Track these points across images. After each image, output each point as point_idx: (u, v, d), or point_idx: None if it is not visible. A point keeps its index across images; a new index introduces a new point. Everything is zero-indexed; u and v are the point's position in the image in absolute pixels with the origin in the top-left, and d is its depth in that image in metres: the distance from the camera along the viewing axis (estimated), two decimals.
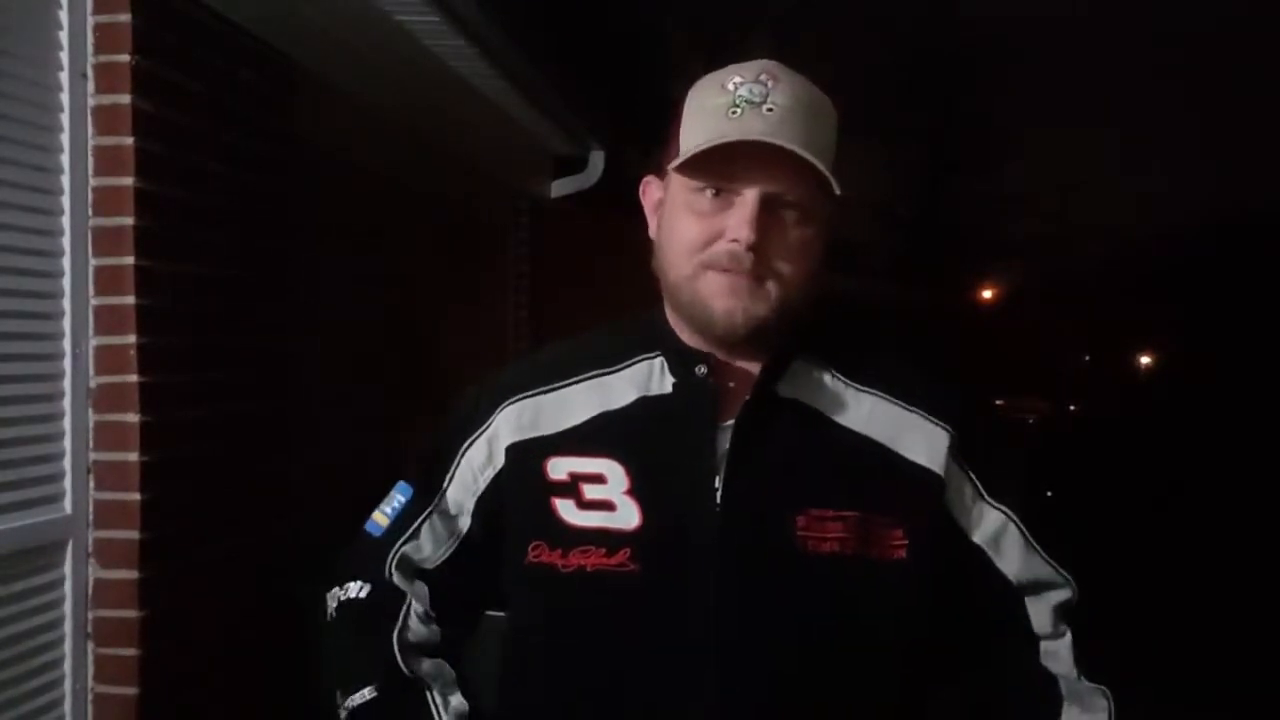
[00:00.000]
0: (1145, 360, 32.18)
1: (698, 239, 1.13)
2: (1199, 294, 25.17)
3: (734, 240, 1.10)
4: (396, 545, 1.23)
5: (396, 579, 1.23)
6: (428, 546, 1.23)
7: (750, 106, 1.09)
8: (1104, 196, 30.34)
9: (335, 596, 1.24)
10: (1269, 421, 15.88)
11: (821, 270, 1.17)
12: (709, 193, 1.12)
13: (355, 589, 1.23)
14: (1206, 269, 24.55)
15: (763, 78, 1.11)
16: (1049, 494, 10.07)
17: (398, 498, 1.25)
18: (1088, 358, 32.37)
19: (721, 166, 1.10)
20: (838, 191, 1.10)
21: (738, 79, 1.12)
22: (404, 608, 1.22)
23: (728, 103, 1.10)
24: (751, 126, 1.08)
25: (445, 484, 1.22)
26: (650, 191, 1.23)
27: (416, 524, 1.23)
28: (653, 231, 1.21)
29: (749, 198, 1.10)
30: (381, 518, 1.25)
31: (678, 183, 1.15)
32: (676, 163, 1.11)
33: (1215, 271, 24.35)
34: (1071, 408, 22.63)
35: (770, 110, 1.09)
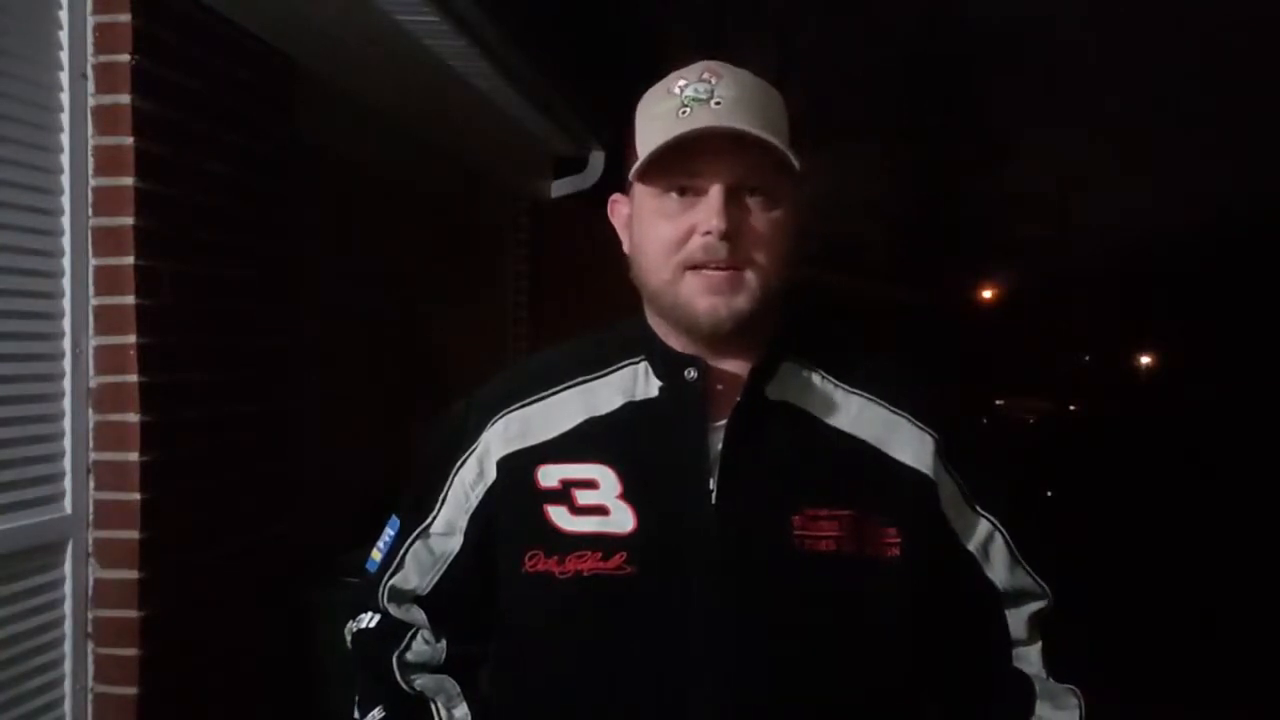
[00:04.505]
0: (1145, 360, 32.17)
1: (670, 240, 1.14)
2: (1199, 294, 25.17)
3: (706, 233, 1.11)
4: (384, 579, 1.27)
5: (392, 609, 1.27)
6: (413, 576, 1.26)
7: (698, 104, 1.11)
8: (1104, 196, 30.35)
9: (350, 629, 1.30)
10: (1269, 421, 15.88)
11: (797, 256, 1.18)
12: (674, 194, 1.13)
13: (367, 619, 1.29)
14: (1206, 269, 24.55)
15: (705, 76, 1.14)
16: (1049, 494, 10.09)
17: (388, 532, 1.29)
18: (1088, 358, 32.36)
19: (681, 166, 1.12)
20: (797, 167, 1.12)
21: (682, 82, 1.14)
22: (410, 631, 1.27)
23: (675, 105, 1.12)
24: (702, 120, 1.10)
25: (437, 506, 1.24)
26: (618, 209, 1.24)
27: (400, 555, 1.26)
28: (626, 247, 1.23)
29: (713, 190, 1.12)
30: (376, 553, 1.30)
31: (643, 192, 1.16)
32: (635, 169, 1.13)
33: (1215, 271, 24.35)
34: (1071, 408, 22.60)
35: (718, 104, 1.11)
